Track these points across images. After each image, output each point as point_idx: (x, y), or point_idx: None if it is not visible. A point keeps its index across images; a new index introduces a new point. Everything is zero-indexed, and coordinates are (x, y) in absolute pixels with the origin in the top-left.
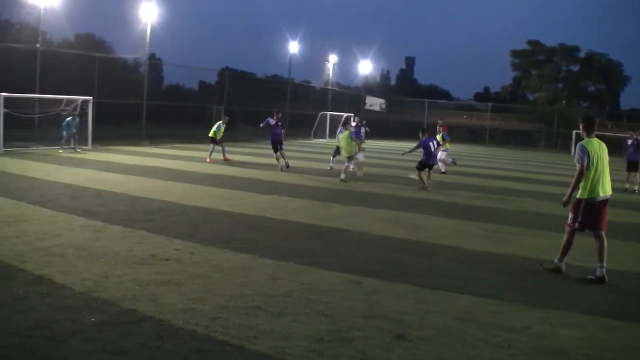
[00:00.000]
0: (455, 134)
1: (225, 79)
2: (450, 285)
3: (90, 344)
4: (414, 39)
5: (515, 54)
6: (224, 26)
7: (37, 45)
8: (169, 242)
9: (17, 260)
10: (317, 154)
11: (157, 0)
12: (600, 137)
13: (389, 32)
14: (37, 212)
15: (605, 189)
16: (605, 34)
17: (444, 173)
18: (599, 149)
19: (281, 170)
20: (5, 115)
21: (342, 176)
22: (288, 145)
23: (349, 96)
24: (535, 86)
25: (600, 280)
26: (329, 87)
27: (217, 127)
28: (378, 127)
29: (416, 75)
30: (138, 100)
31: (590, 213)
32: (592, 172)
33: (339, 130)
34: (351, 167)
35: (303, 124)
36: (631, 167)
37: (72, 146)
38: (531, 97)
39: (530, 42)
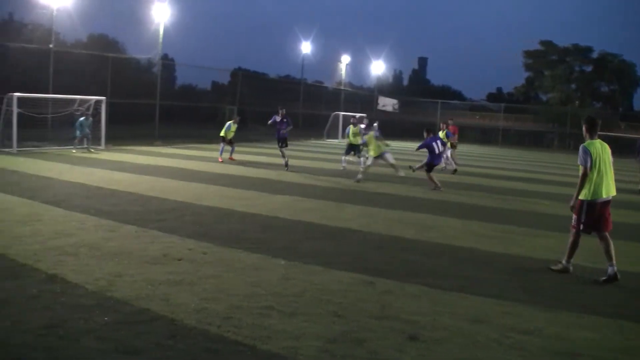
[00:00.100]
0: (468, 135)
1: (238, 79)
2: (462, 286)
3: (103, 343)
4: (426, 39)
5: (528, 54)
6: (236, 26)
7: (50, 46)
8: (182, 242)
9: (30, 259)
10: (329, 154)
11: (170, 1)
12: (614, 139)
13: (401, 32)
14: (51, 212)
15: (608, 190)
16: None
17: (455, 170)
18: (601, 150)
19: (286, 168)
20: (19, 115)
21: (360, 176)
22: (301, 146)
23: (361, 96)
24: (548, 87)
25: (612, 279)
26: (342, 88)
27: (228, 127)
28: (390, 127)
29: (429, 76)
30: (151, 101)
31: (593, 214)
32: (595, 174)
33: (347, 129)
34: (361, 167)
35: (316, 124)
36: None
37: (86, 146)
38: (544, 98)
39: (542, 43)
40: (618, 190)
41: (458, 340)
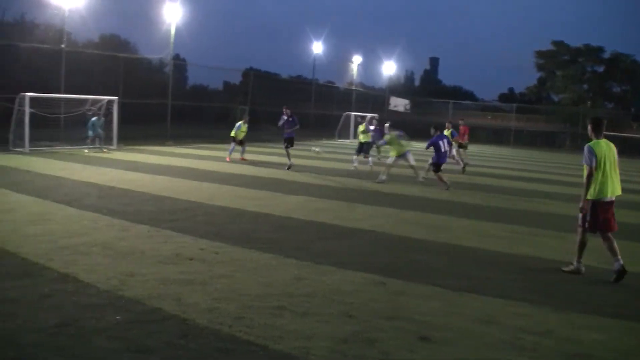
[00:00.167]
0: (480, 135)
1: (250, 80)
2: (473, 286)
3: (115, 342)
4: (438, 39)
5: (539, 54)
6: (248, 27)
7: (62, 46)
8: (194, 241)
9: (42, 258)
10: (341, 154)
11: (182, 1)
12: (624, 139)
13: (413, 32)
14: (63, 211)
15: (614, 190)
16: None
17: (464, 168)
18: (607, 150)
19: (288, 169)
20: (31, 115)
21: (383, 177)
22: (312, 146)
23: (373, 97)
24: (560, 87)
25: (620, 272)
26: (353, 88)
27: (238, 127)
28: (402, 128)
29: (440, 76)
30: (163, 101)
31: (597, 213)
32: (600, 174)
33: (366, 128)
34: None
35: (327, 125)
36: None
37: (98, 146)
38: (556, 98)
39: (554, 43)
40: (623, 190)
41: (469, 341)
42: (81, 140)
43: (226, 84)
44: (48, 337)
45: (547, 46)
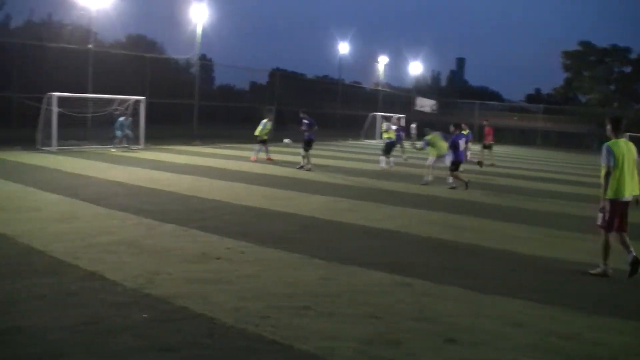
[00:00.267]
0: (507, 136)
1: (276, 80)
2: (500, 289)
3: (141, 340)
4: (464, 40)
5: (566, 55)
6: (274, 27)
7: (89, 46)
8: (221, 241)
9: (70, 256)
10: (367, 154)
11: (208, 2)
12: None
13: (439, 33)
14: (91, 210)
15: (632, 189)
16: None
17: (480, 162)
18: (625, 149)
19: (300, 168)
20: (59, 115)
21: (429, 178)
22: (339, 146)
23: (399, 97)
24: (587, 88)
25: (636, 264)
26: (379, 88)
27: (264, 125)
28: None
29: (467, 77)
30: (189, 101)
31: (616, 213)
32: (618, 173)
33: (385, 127)
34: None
35: (353, 125)
36: None
37: (125, 145)
38: (583, 99)
39: (581, 43)
40: None
41: (496, 344)
42: (109, 139)
43: (253, 84)
44: (74, 334)
45: (574, 47)
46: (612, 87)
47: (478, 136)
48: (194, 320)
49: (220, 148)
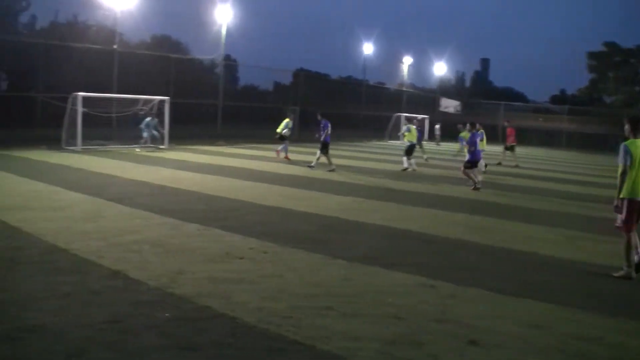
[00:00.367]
0: (531, 138)
1: (300, 80)
2: (524, 291)
3: (164, 338)
4: (489, 40)
5: (591, 55)
6: (298, 27)
7: (114, 47)
8: (244, 240)
9: (94, 255)
10: (390, 155)
11: (232, 2)
12: None
13: (464, 33)
14: (114, 209)
15: None
16: None
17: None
18: None
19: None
20: (84, 114)
21: (478, 177)
22: (363, 147)
23: (423, 98)
24: (612, 89)
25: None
26: (404, 89)
27: (286, 125)
28: (453, 129)
29: (491, 77)
30: (214, 101)
31: (632, 212)
32: (634, 172)
33: (404, 129)
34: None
35: (377, 126)
36: None
37: (151, 145)
38: (608, 100)
39: (606, 44)
40: None
41: (518, 346)
42: (133, 139)
43: (277, 85)
44: (97, 333)
45: (599, 47)
46: (638, 88)
47: (501, 137)
48: (217, 320)
49: (243, 148)
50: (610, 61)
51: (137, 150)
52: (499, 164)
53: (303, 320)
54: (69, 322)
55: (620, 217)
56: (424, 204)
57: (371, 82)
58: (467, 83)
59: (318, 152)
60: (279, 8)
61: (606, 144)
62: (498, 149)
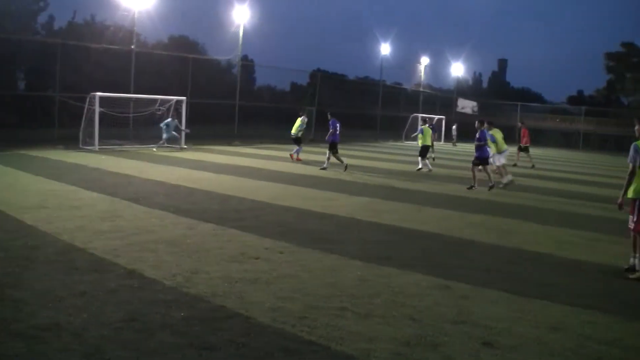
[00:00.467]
0: (548, 138)
1: (317, 81)
2: (542, 293)
3: (179, 337)
4: (506, 41)
5: (609, 56)
6: (315, 27)
7: (132, 47)
8: (259, 241)
9: (110, 254)
10: (407, 156)
11: (250, 3)
12: None
13: (481, 34)
14: (131, 208)
15: None
16: None
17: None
18: None
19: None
20: (101, 114)
21: (509, 177)
22: (380, 147)
23: (440, 98)
24: (629, 89)
25: (631, 270)
26: (421, 89)
27: (301, 126)
28: (470, 129)
29: (508, 78)
30: (230, 101)
31: None
32: None
33: (419, 130)
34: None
35: (394, 126)
36: None
37: (169, 145)
38: (626, 101)
39: (624, 44)
40: None
41: (534, 348)
42: (149, 139)
43: (293, 85)
44: (113, 332)
45: (617, 48)
46: None
47: (517, 138)
48: (232, 320)
49: (260, 148)
50: (628, 62)
51: (154, 150)
52: (515, 165)
53: (318, 320)
54: (85, 320)
55: (630, 219)
56: (439, 204)
57: (388, 83)
58: (485, 84)
59: (327, 152)
60: (296, 8)
61: (623, 145)
62: (515, 149)
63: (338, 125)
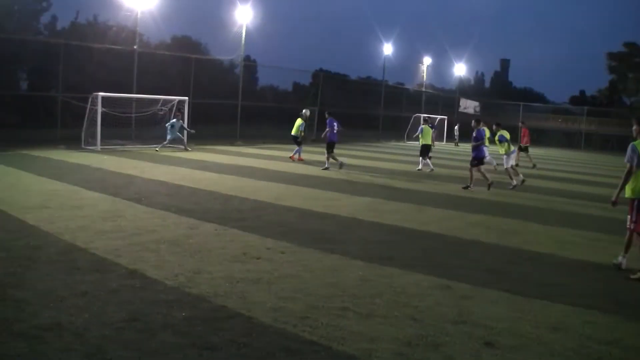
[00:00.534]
0: (550, 138)
1: (319, 81)
2: (543, 293)
3: (181, 337)
4: (509, 41)
5: (611, 56)
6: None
7: (135, 47)
8: (261, 241)
9: (112, 254)
10: (409, 156)
11: (252, 3)
12: None
13: (483, 34)
14: (133, 208)
15: None
16: None
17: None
18: None
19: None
20: (104, 114)
21: (520, 177)
22: (382, 147)
23: (443, 98)
24: (632, 89)
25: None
26: (423, 89)
27: (301, 126)
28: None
29: (511, 78)
30: (233, 101)
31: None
32: None
33: (419, 129)
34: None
35: (397, 126)
36: None
37: (175, 146)
38: (628, 101)
39: (626, 44)
40: None
41: (535, 348)
42: (152, 139)
43: (296, 85)
44: (115, 332)
45: (619, 48)
46: None
47: (518, 138)
48: (233, 320)
49: (262, 148)
50: (630, 62)
51: (157, 150)
52: (516, 165)
53: (320, 320)
54: (86, 320)
55: (630, 218)
56: (441, 204)
57: (391, 83)
58: (487, 84)
59: (326, 152)
60: (298, 9)
61: (625, 146)
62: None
63: (335, 124)
